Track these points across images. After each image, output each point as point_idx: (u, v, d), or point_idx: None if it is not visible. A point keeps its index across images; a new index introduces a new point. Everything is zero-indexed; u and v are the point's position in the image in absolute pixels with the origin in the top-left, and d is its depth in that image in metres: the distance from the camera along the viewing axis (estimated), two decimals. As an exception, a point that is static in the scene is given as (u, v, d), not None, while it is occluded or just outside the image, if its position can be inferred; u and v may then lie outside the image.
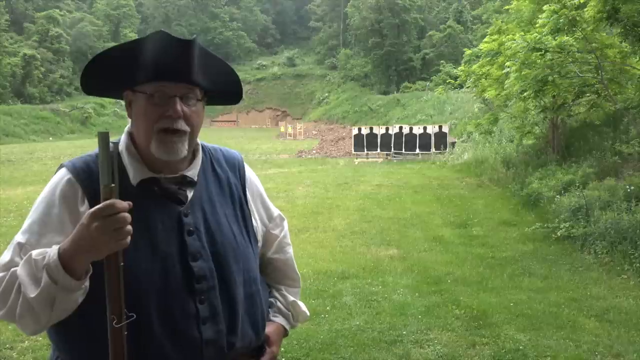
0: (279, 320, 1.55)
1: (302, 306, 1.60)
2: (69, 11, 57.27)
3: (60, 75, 47.39)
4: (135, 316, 1.16)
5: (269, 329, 1.51)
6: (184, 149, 1.31)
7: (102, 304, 1.15)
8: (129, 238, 1.13)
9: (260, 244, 1.53)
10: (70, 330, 1.26)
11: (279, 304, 1.57)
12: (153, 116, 1.27)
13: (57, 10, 52.87)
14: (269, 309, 1.55)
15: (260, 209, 1.56)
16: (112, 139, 1.25)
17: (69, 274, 1.14)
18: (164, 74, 1.26)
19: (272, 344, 1.50)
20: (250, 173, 1.56)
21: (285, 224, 1.63)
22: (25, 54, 43.50)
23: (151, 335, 1.26)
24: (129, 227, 1.12)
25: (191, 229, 1.34)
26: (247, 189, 1.51)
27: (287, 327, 1.57)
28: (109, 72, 1.29)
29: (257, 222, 1.52)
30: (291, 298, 1.59)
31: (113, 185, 1.14)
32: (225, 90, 1.43)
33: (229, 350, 1.36)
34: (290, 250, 1.63)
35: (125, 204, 1.12)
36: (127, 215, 1.12)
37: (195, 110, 1.32)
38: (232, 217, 1.43)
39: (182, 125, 1.28)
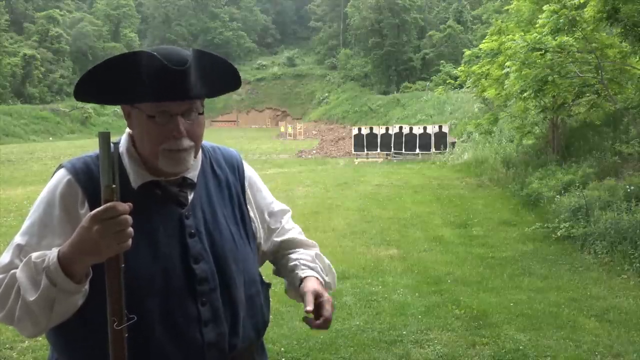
0: (309, 273, 1.41)
1: (326, 260, 1.51)
2: (69, 11, 57.27)
3: (60, 75, 47.39)
4: (135, 318, 1.15)
5: (310, 283, 1.36)
6: (191, 161, 1.31)
7: (103, 307, 1.14)
8: (130, 240, 1.12)
9: (262, 241, 1.52)
10: (70, 333, 1.26)
11: (302, 262, 1.45)
12: (158, 138, 1.25)
13: (57, 10, 52.87)
14: (295, 271, 1.43)
15: (261, 207, 1.54)
16: (113, 139, 1.23)
17: (68, 277, 1.13)
18: (164, 96, 1.22)
19: (322, 293, 1.34)
20: (249, 171, 1.54)
21: (288, 215, 1.59)
22: (25, 54, 43.51)
23: (152, 337, 1.26)
24: (130, 230, 1.11)
25: (192, 231, 1.34)
26: (246, 189, 1.51)
27: (321, 279, 1.42)
28: (103, 87, 1.24)
29: (257, 221, 1.51)
30: (313, 252, 1.50)
31: (114, 186, 1.12)
32: (224, 86, 1.39)
33: (231, 352, 1.36)
34: (297, 229, 1.57)
35: (126, 206, 1.11)
36: (129, 218, 1.11)
37: (198, 122, 1.29)
38: (230, 218, 1.42)
39: (187, 143, 1.27)
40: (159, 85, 1.20)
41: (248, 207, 1.49)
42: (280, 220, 1.57)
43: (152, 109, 1.23)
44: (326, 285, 1.43)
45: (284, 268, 1.51)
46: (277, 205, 1.59)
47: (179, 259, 1.30)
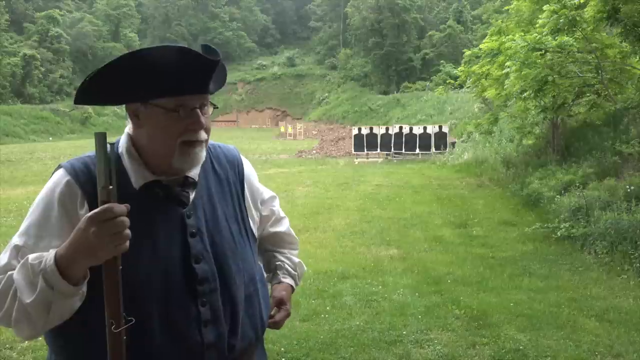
0: (289, 281, 1.62)
1: (304, 265, 1.71)
2: (69, 11, 57.33)
3: (60, 75, 47.44)
4: (134, 320, 1.15)
5: (281, 289, 1.58)
6: (204, 157, 1.33)
7: (101, 308, 1.13)
8: (127, 242, 1.11)
9: (256, 234, 1.55)
10: (68, 334, 1.25)
11: (287, 266, 1.64)
12: (177, 130, 1.25)
13: (57, 10, 52.93)
14: (278, 271, 1.62)
15: (256, 200, 1.56)
16: (110, 139, 1.21)
17: (65, 279, 1.12)
18: (187, 90, 1.24)
19: (286, 302, 1.57)
20: (247, 167, 1.56)
21: (277, 201, 1.67)
22: (25, 54, 43.57)
23: (152, 339, 1.25)
24: (128, 232, 1.10)
25: (194, 230, 1.33)
26: (245, 186, 1.51)
27: (294, 285, 1.65)
28: (116, 85, 1.22)
29: (254, 214, 1.53)
30: (297, 260, 1.68)
31: (111, 187, 1.11)
32: (221, 83, 1.41)
33: (230, 353, 1.36)
34: (287, 221, 1.69)
35: (123, 208, 1.10)
36: (126, 219, 1.10)
37: (208, 116, 1.32)
38: (231, 216, 1.43)
39: (204, 135, 1.29)
40: (187, 77, 1.21)
41: (246, 203, 1.50)
42: (271, 208, 1.63)
43: (174, 103, 1.24)
44: (296, 285, 1.67)
45: (268, 261, 1.66)
46: (267, 193, 1.64)
47: (179, 259, 1.30)
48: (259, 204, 1.57)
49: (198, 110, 1.26)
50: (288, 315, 1.57)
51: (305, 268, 1.72)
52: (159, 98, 1.23)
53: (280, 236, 1.66)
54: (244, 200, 1.49)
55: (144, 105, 1.25)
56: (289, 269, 1.63)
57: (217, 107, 1.35)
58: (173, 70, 1.19)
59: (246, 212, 1.49)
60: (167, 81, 1.21)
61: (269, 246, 1.65)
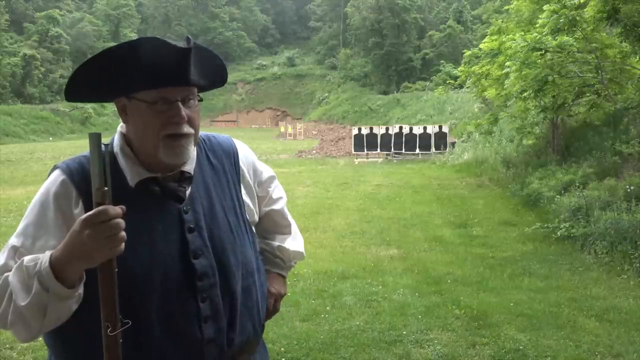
0: (268, 267, 1.61)
1: (292, 247, 1.64)
2: (69, 11, 57.36)
3: (60, 75, 47.40)
4: (130, 323, 1.14)
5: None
6: (191, 151, 1.31)
7: (98, 310, 1.12)
8: (123, 245, 1.10)
9: (256, 218, 1.55)
10: (67, 336, 1.25)
11: (266, 253, 1.62)
12: (158, 124, 1.24)
13: (57, 10, 52.96)
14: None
15: (254, 182, 1.55)
16: (104, 140, 1.21)
17: (60, 281, 1.11)
18: (164, 81, 1.22)
19: (271, 285, 1.57)
20: (243, 152, 1.53)
21: (275, 182, 1.63)
22: (25, 54, 43.57)
23: (152, 335, 1.25)
24: (123, 234, 1.09)
25: (192, 226, 1.32)
26: (244, 172, 1.50)
27: (280, 271, 1.64)
28: (99, 79, 1.23)
29: (251, 203, 1.51)
30: (276, 243, 1.63)
31: (106, 188, 1.10)
32: (215, 80, 1.40)
33: (229, 348, 1.35)
34: (283, 202, 1.64)
35: (118, 210, 1.09)
36: (121, 221, 1.09)
37: (196, 110, 1.30)
38: (229, 209, 1.42)
39: (188, 129, 1.26)
40: (162, 68, 1.19)
41: (243, 190, 1.49)
42: (267, 189, 1.59)
43: (153, 96, 1.23)
44: (282, 269, 1.65)
45: None
46: (266, 173, 1.60)
47: (178, 255, 1.30)
48: (255, 185, 1.56)
49: (179, 103, 1.24)
50: (274, 298, 1.57)
51: (299, 249, 1.66)
52: (140, 91, 1.23)
53: (271, 215, 1.61)
54: (240, 190, 1.48)
55: (129, 100, 1.26)
56: (269, 256, 1.62)
57: (202, 100, 1.33)
58: (149, 62, 1.19)
59: (243, 200, 1.48)
60: (144, 73, 1.20)
61: (259, 230, 1.60)
